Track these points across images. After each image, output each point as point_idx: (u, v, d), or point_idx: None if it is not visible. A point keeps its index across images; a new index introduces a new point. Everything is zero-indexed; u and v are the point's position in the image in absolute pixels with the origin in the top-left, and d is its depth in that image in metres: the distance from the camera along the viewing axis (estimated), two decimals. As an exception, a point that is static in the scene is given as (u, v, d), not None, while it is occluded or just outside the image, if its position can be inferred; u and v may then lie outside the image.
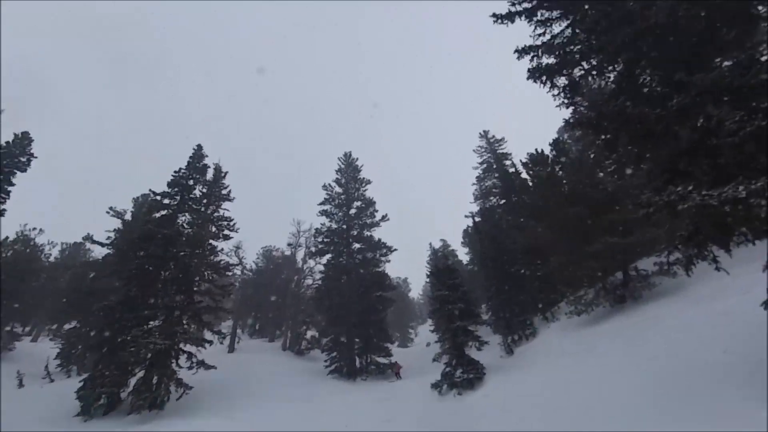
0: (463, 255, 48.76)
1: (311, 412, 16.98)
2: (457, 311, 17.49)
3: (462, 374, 16.05)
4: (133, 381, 18.48)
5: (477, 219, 32.59)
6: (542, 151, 23.26)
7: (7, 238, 33.38)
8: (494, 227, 29.37)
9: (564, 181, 20.13)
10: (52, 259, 40.62)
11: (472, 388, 15.45)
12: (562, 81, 10.71)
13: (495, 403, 12.54)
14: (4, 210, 20.69)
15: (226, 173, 25.55)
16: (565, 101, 10.80)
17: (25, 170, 22.46)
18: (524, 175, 32.20)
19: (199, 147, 25.15)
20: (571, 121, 10.64)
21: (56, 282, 35.64)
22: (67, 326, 31.31)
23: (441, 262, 22.66)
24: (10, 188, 21.27)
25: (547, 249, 20.01)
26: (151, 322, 19.70)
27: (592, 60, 10.13)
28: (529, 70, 10.72)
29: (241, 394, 20.18)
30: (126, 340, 18.74)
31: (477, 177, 39.54)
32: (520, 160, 27.07)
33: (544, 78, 10.65)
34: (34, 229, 36.78)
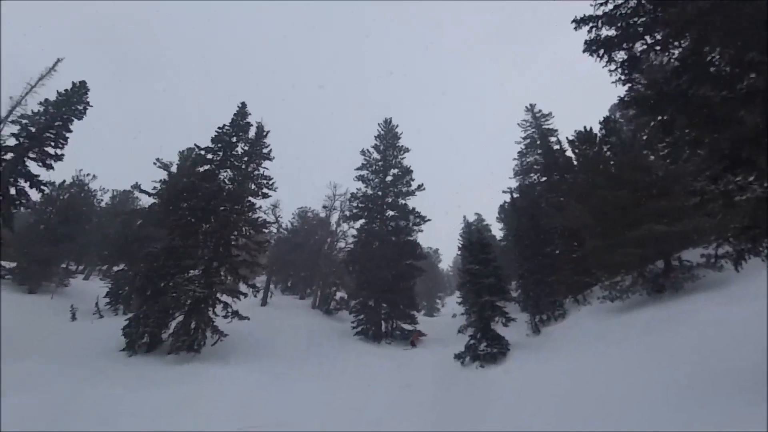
0: (497, 230, 48.22)
1: (335, 370, 17.69)
2: (487, 286, 17.45)
3: (486, 348, 16.16)
4: (173, 324, 19.76)
5: (515, 195, 31.89)
6: (591, 129, 22.24)
7: (64, 181, 35.58)
8: (532, 205, 28.71)
9: (611, 162, 19.25)
10: (103, 204, 43.17)
11: (494, 362, 15.58)
12: (621, 55, 10.02)
13: (514, 382, 12.60)
14: (62, 155, 21.90)
15: (267, 132, 25.90)
16: (622, 77, 10.15)
17: (81, 118, 23.54)
18: (569, 153, 31.06)
19: (243, 105, 25.56)
20: (627, 99, 10.05)
21: (106, 226, 37.91)
22: (115, 268, 33.53)
23: (474, 236, 22.50)
24: (67, 134, 22.43)
25: (586, 231, 19.44)
26: (192, 271, 20.79)
27: (656, 34, 9.40)
28: (586, 42, 10.08)
29: (271, 346, 21.21)
30: (168, 285, 19.96)
31: (519, 152, 38.41)
32: (567, 138, 26.06)
33: (601, 51, 9.99)
34: (88, 174, 39.03)
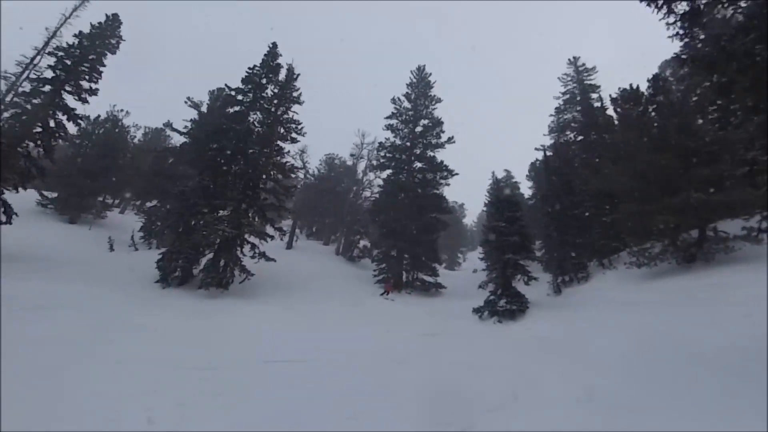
0: (525, 189, 47.21)
1: (356, 314, 18.26)
2: (511, 244, 17.32)
3: (505, 304, 16.28)
4: (203, 261, 20.62)
5: (548, 153, 30.83)
6: (637, 87, 20.86)
7: (99, 116, 36.33)
8: (565, 164, 27.81)
9: (655, 124, 18.19)
10: (136, 141, 44.14)
11: (513, 318, 15.75)
12: (682, 6, 9.13)
13: (530, 338, 12.74)
14: (97, 89, 22.17)
15: (298, 75, 25.40)
16: (681, 32, 9.30)
17: (114, 52, 23.56)
18: (610, 113, 29.50)
19: (274, 45, 24.97)
20: (683, 55, 9.29)
21: (140, 163, 38.95)
22: (149, 204, 34.80)
23: (502, 193, 22.10)
24: (101, 69, 22.57)
25: (621, 195, 18.76)
26: (221, 211, 21.36)
27: (726, -16, 8.51)
28: (645, -11, 9.22)
29: (296, 287, 22.00)
30: (199, 224, 20.63)
31: (556, 108, 36.69)
32: (609, 95, 24.60)
33: (661, 2, 9.13)
34: (122, 110, 39.66)
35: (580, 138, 33.12)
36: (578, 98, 34.62)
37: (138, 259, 22.66)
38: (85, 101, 21.79)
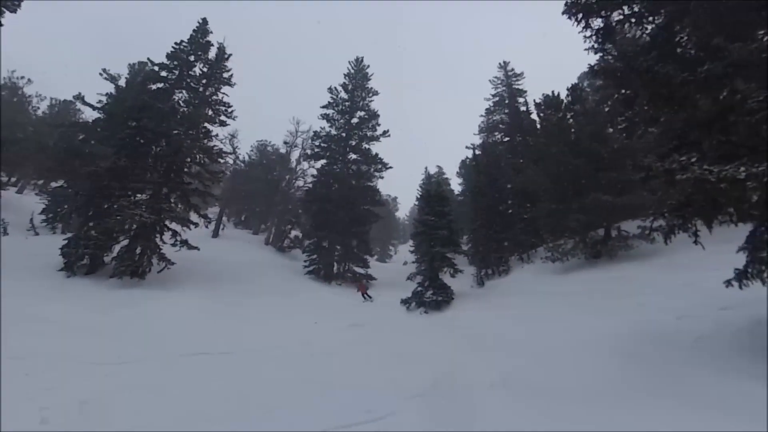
0: (455, 185, 49.07)
1: (283, 305, 17.97)
2: (440, 237, 17.96)
3: (432, 296, 16.90)
4: (117, 248, 19.10)
5: (477, 152, 32.26)
6: (558, 94, 22.45)
7: (-6, 82, 32.25)
8: (493, 163, 29.25)
9: (572, 130, 19.74)
10: (40, 113, 39.58)
11: (438, 309, 16.38)
12: (597, 23, 10.00)
13: (453, 326, 13.41)
14: (-8, 52, 19.63)
15: (229, 55, 24.22)
16: (596, 45, 10.17)
17: (14, 11, 20.88)
18: (534, 117, 31.44)
19: (204, 21, 23.58)
20: (596, 68, 10.15)
21: (44, 138, 34.97)
22: (53, 184, 31.47)
23: (433, 188, 22.77)
24: (-1, 29, 19.95)
25: (540, 194, 20.16)
26: (139, 195, 19.91)
27: (634, 6, 9.42)
28: (566, 5, 9.93)
29: (221, 277, 21.13)
30: (112, 207, 19.04)
31: (486, 109, 38.46)
32: (534, 100, 26.20)
33: (580, 16, 9.90)
34: (23, 77, 35.40)
35: (506, 139, 35.04)
36: (507, 101, 36.52)
37: (38, 245, 20.48)
38: (-23, 65, 19.21)
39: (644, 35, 9.69)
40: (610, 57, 10.43)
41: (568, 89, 20.97)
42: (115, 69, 30.25)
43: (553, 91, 22.37)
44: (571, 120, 20.38)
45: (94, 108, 28.00)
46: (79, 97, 29.03)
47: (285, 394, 7.02)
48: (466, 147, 36.83)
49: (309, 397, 6.94)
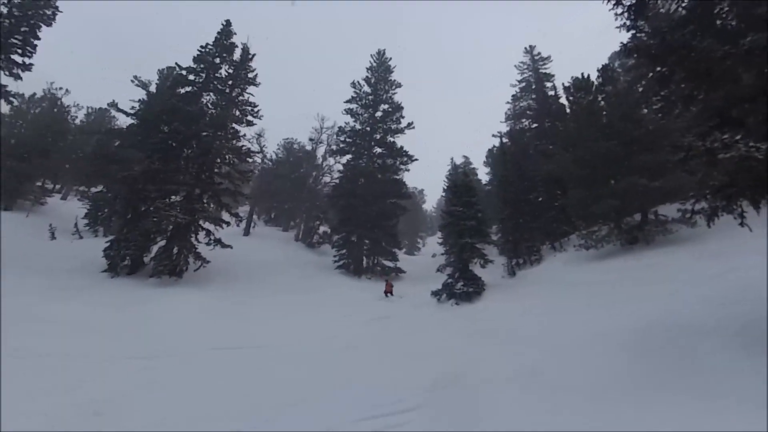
0: (483, 174, 48.33)
1: (315, 300, 18.21)
2: (468, 228, 17.74)
3: (462, 287, 16.75)
4: (155, 248, 19.80)
5: (504, 140, 31.63)
6: (588, 76, 21.66)
7: (34, 94, 33.70)
8: (521, 151, 28.63)
9: (604, 113, 19.04)
10: (78, 122, 41.25)
11: (469, 300, 16.21)
12: (629, -1, 9.54)
13: (486, 317, 13.22)
14: (31, 65, 20.50)
15: (253, 55, 24.55)
16: (627, 23, 9.72)
17: (50, 24, 21.76)
18: (563, 101, 30.53)
19: (228, 23, 23.99)
20: (629, 46, 9.71)
21: (83, 145, 36.56)
22: (93, 189, 32.80)
23: (460, 179, 22.49)
24: (36, 42, 20.85)
25: (571, 180, 19.58)
26: (173, 197, 20.54)
27: (668, -23, 8.93)
28: (596, -20, 9.52)
29: (253, 274, 21.61)
30: (149, 210, 19.76)
31: (513, 95, 37.54)
32: (563, 84, 25.43)
33: (611, -9, 9.47)
34: (61, 88, 36.87)
35: (534, 125, 34.15)
36: (534, 86, 35.55)
37: (83, 248, 21.48)
38: (17, 77, 20.10)
39: (680, 9, 9.19)
40: (642, 34, 9.97)
41: (598, 70, 20.23)
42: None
43: (582, 74, 21.58)
44: (602, 102, 19.67)
45: (127, 114, 28.92)
46: (113, 105, 29.99)
47: (309, 388, 7.11)
48: (493, 135, 36.28)
49: (333, 390, 7.01)
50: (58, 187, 41.32)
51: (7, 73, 19.75)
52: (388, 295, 20.63)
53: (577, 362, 7.00)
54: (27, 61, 20.38)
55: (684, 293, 8.99)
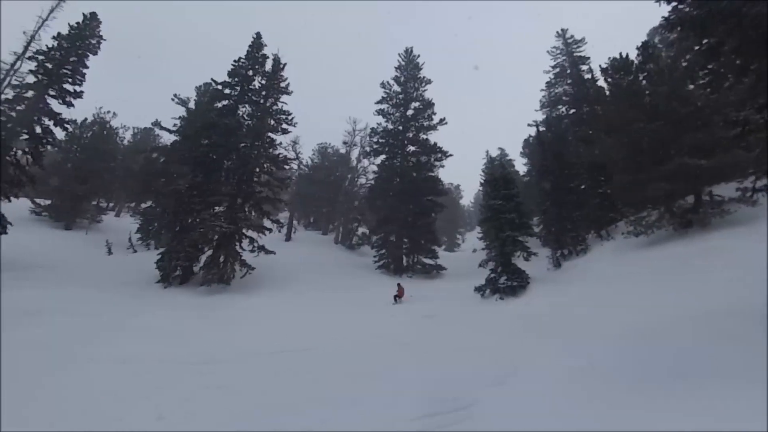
0: (520, 165, 47.29)
1: (359, 300, 18.36)
2: (509, 221, 17.38)
3: (506, 281, 16.42)
4: (203, 258, 20.63)
5: (541, 128, 30.72)
6: (627, 55, 20.66)
7: (85, 119, 35.86)
8: (559, 138, 27.69)
9: (647, 92, 18.10)
10: (126, 142, 43.61)
11: (514, 295, 15.88)
12: (671, -31, 9.05)
13: (532, 312, 12.87)
14: (81, 92, 21.82)
15: (284, 65, 25.12)
16: (668, -5, 9.23)
17: (96, 53, 23.13)
18: (601, 83, 29.30)
19: (258, 35, 24.64)
20: (671, 19, 9.20)
21: (131, 164, 38.61)
22: (143, 205, 34.60)
23: (497, 171, 22.09)
24: (84, 70, 22.19)
25: (615, 166, 18.77)
26: (217, 207, 21.31)
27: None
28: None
29: (297, 278, 22.04)
30: (195, 221, 20.61)
31: (547, 82, 36.45)
32: (600, 66, 24.38)
33: (650, -38, 9.01)
34: (108, 112, 39.09)
35: (572, 111, 33.02)
36: (568, 71, 34.37)
37: (137, 261, 22.64)
38: (70, 105, 21.46)
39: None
40: (685, 6, 9.43)
41: (638, 48, 19.23)
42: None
43: (621, 53, 20.63)
44: (644, 82, 18.71)
45: (170, 132, 30.34)
46: (157, 124, 31.57)
47: (364, 387, 7.13)
48: (528, 125, 35.33)
49: (389, 387, 7.01)
50: (111, 205, 43.77)
51: (60, 101, 21.10)
52: (398, 299, 19.06)
53: (632, 354, 6.69)
54: (77, 89, 21.71)
55: (751, 278, 8.35)
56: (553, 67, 35.78)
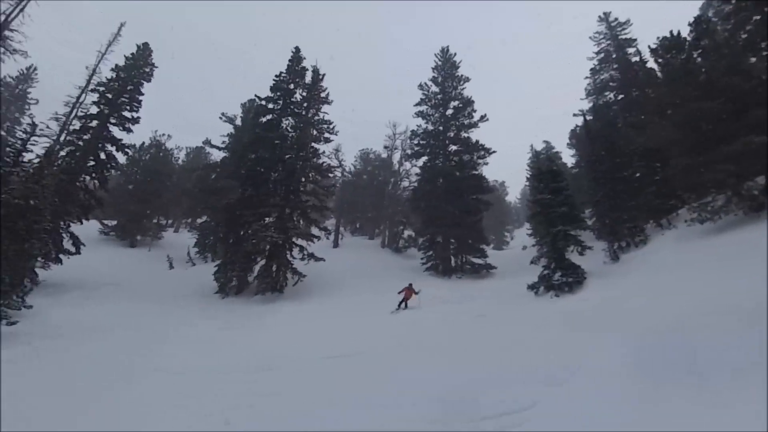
0: (567, 157, 45.63)
1: (410, 302, 18.35)
2: (560, 215, 16.83)
3: (560, 277, 15.87)
4: (257, 268, 21.45)
5: (588, 117, 29.54)
6: (678, 33, 19.51)
7: (143, 143, 38.36)
8: (608, 126, 26.51)
9: (702, 70, 16.99)
10: (180, 161, 46.16)
11: (570, 291, 15.33)
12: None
13: (590, 308, 12.35)
14: (138, 118, 23.43)
15: (323, 75, 25.75)
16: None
17: (149, 80, 24.77)
18: (651, 65, 27.81)
19: (297, 49, 25.42)
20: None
21: (186, 182, 40.83)
22: (199, 220, 36.47)
23: (544, 164, 21.45)
24: (140, 97, 23.80)
25: (671, 150, 17.71)
26: (267, 219, 22.11)
27: None
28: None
29: (347, 284, 22.41)
30: (247, 233, 21.48)
31: (591, 69, 35.05)
32: (648, 47, 23.16)
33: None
34: (163, 135, 41.59)
35: (620, 97, 31.55)
36: (614, 55, 32.93)
37: (196, 274, 23.87)
38: (129, 130, 23.11)
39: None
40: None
41: (690, 24, 18.11)
42: (232, 110, 33.84)
43: (671, 31, 19.52)
44: (699, 59, 17.59)
45: (219, 149, 31.88)
46: (207, 142, 33.30)
47: (420, 389, 7.10)
48: (574, 114, 34.04)
49: (450, 388, 6.97)
50: (170, 221, 46.39)
51: (120, 128, 22.74)
52: (402, 305, 17.09)
53: (703, 348, 6.24)
54: (135, 115, 23.33)
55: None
56: (597, 52, 34.39)
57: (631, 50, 31.91)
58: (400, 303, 17.22)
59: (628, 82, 30.17)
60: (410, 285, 18.16)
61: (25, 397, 6.95)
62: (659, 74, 22.75)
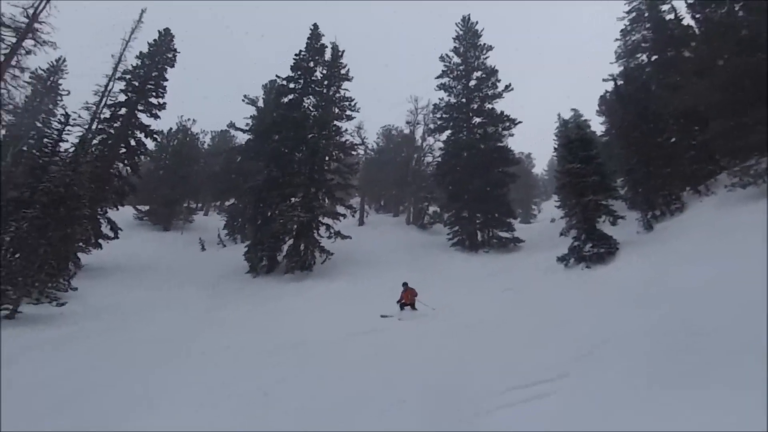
0: (596, 126, 43.92)
1: (438, 279, 18.36)
2: (590, 184, 16.33)
3: (591, 248, 15.50)
4: (285, 247, 21.83)
5: (619, 82, 28.21)
6: (718, -16, 18.19)
7: (171, 129, 39.05)
8: (640, 89, 25.25)
9: (744, 23, 15.85)
10: (206, 145, 46.86)
11: (602, 262, 14.97)
12: None
13: (624, 278, 12.03)
14: (165, 104, 23.78)
15: (343, 52, 25.39)
16: None
17: (173, 65, 25.01)
18: (687, 22, 26.17)
19: (315, 26, 25.07)
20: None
21: (212, 166, 41.53)
22: (227, 203, 37.21)
23: (573, 132, 20.71)
24: (165, 83, 24.09)
25: (711, 111, 16.76)
26: (293, 199, 22.34)
27: None
28: None
29: (374, 261, 22.59)
30: (275, 213, 21.78)
31: (621, 31, 33.23)
32: (685, 1, 21.74)
33: None
34: (189, 119, 42.17)
35: (654, 58, 29.87)
36: (646, 14, 31.05)
37: (227, 255, 24.53)
38: (156, 117, 23.53)
39: None
40: None
41: (731, -26, 16.84)
42: (254, 92, 33.98)
43: (710, -16, 18.21)
44: (740, 12, 16.39)
45: (243, 131, 32.17)
46: (231, 125, 33.64)
47: (451, 363, 7.12)
48: (604, 80, 32.54)
49: (478, 362, 6.96)
50: (199, 205, 47.49)
51: (148, 114, 23.15)
52: (404, 308, 13.72)
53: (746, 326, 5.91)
54: (161, 101, 23.67)
55: None
56: (628, 12, 32.51)
57: (665, 7, 29.98)
58: (403, 306, 13.80)
59: (662, 42, 28.46)
60: (406, 284, 14.57)
61: (88, 372, 7.38)
62: (697, 31, 21.45)
